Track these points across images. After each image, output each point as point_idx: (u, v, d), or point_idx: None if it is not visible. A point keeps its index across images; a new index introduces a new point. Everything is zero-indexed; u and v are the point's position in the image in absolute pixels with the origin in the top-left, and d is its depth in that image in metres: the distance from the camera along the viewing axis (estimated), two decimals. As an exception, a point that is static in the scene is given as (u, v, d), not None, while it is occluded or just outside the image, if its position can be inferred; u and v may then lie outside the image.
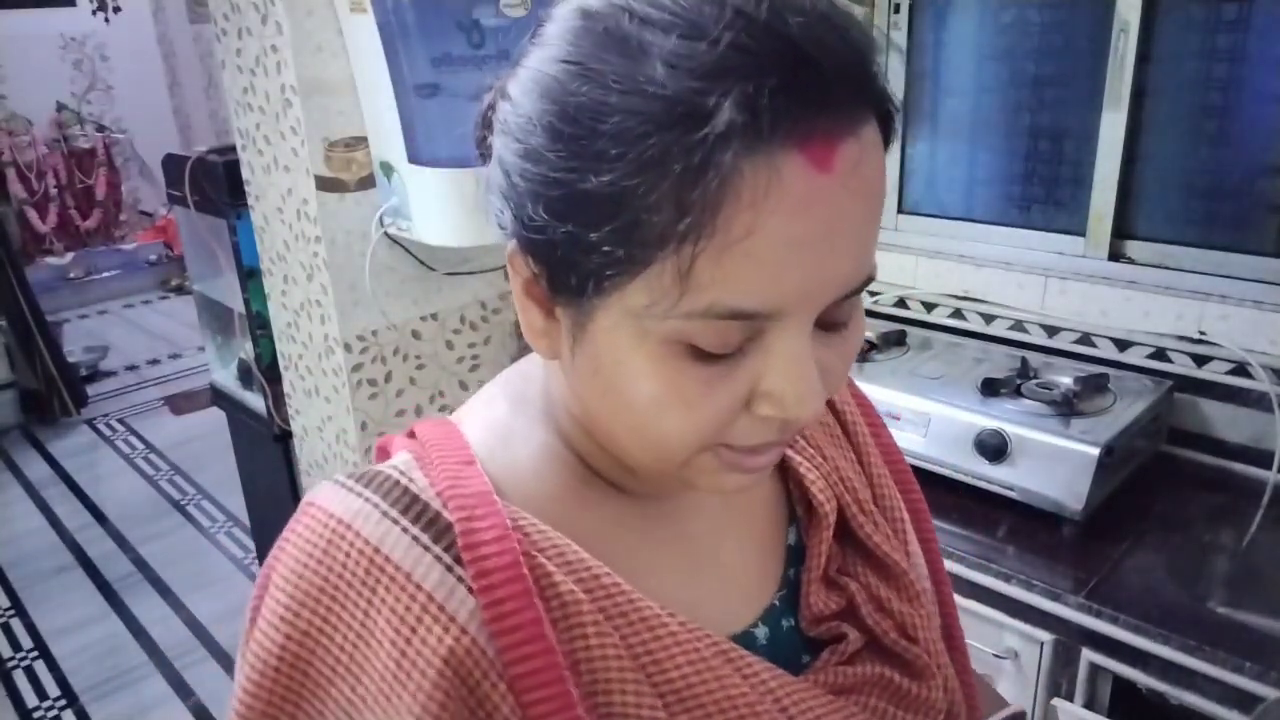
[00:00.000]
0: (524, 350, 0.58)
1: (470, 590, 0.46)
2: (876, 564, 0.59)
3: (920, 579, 0.62)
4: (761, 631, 0.56)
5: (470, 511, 0.48)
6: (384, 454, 0.55)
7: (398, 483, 0.49)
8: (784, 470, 0.61)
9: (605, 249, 0.41)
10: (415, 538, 0.47)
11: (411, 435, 0.55)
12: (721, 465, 0.47)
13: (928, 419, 1.42)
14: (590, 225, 0.41)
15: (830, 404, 0.66)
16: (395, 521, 0.48)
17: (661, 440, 0.45)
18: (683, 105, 0.37)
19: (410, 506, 0.48)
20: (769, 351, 0.43)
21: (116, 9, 4.99)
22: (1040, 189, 1.68)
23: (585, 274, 0.42)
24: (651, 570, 0.54)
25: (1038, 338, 1.62)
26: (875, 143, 0.42)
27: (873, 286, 1.83)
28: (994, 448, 1.32)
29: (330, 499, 0.49)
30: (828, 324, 0.45)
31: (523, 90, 0.43)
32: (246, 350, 2.30)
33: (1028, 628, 1.22)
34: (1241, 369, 1.39)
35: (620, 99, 0.39)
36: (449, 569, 0.47)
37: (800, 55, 0.38)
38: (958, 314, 1.72)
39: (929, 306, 1.76)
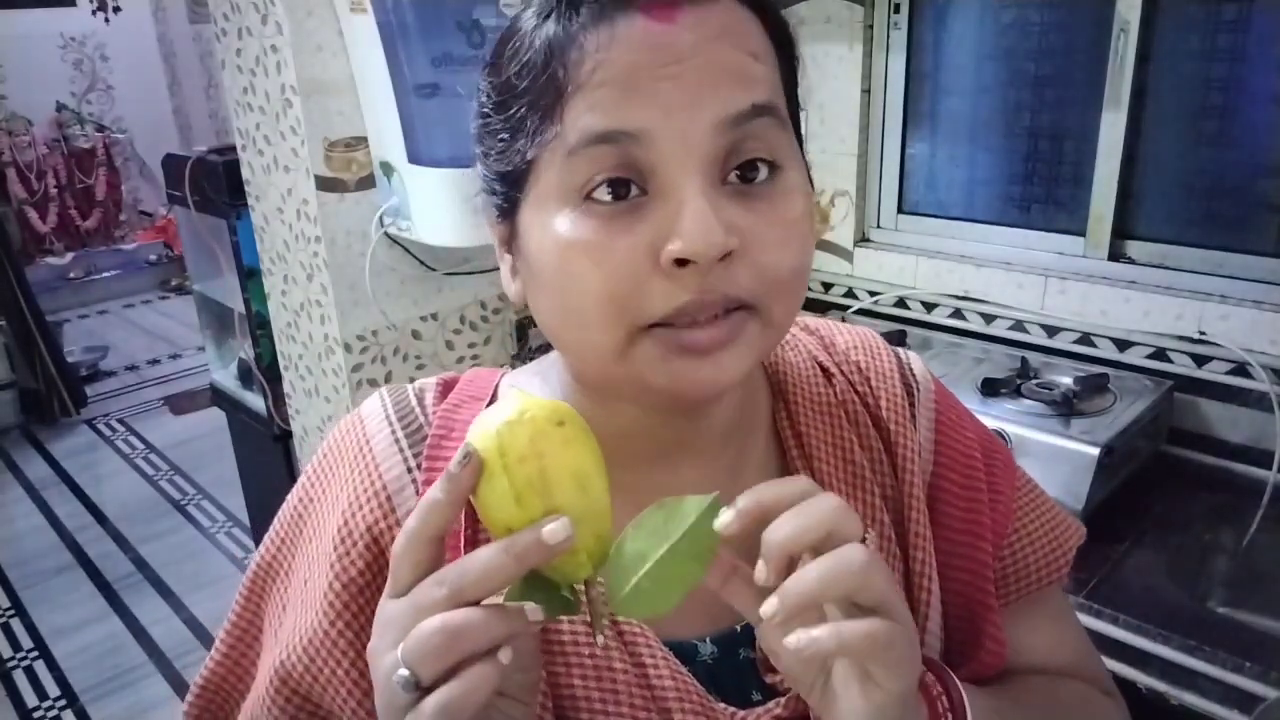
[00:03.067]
0: (524, 350, 0.59)
1: (417, 492, 0.55)
2: None
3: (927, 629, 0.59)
4: (708, 649, 0.56)
5: (446, 432, 0.57)
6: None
7: (408, 396, 0.61)
8: None
9: (510, 144, 0.49)
10: (397, 439, 0.58)
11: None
12: (666, 350, 0.47)
13: (928, 419, 1.41)
14: (497, 132, 0.50)
15: (896, 414, 0.63)
16: (389, 422, 0.59)
17: (585, 311, 0.47)
18: (538, 7, 0.48)
19: (405, 414, 0.59)
20: (662, 195, 0.46)
21: (116, 9, 4.99)
22: (1040, 189, 1.68)
23: (506, 184, 0.50)
24: None
25: (1038, 338, 1.62)
26: (739, 13, 0.48)
27: (873, 286, 1.85)
28: (994, 448, 1.32)
29: (366, 401, 0.61)
30: (740, 177, 0.47)
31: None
32: (246, 350, 2.30)
33: (1028, 628, 1.22)
34: (1241, 369, 1.39)
35: (507, 36, 0.50)
36: (409, 470, 0.56)
37: None
38: (958, 314, 1.72)
39: (929, 306, 1.76)
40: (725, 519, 0.43)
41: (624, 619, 0.53)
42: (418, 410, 0.59)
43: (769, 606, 0.42)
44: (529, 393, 0.44)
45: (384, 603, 0.44)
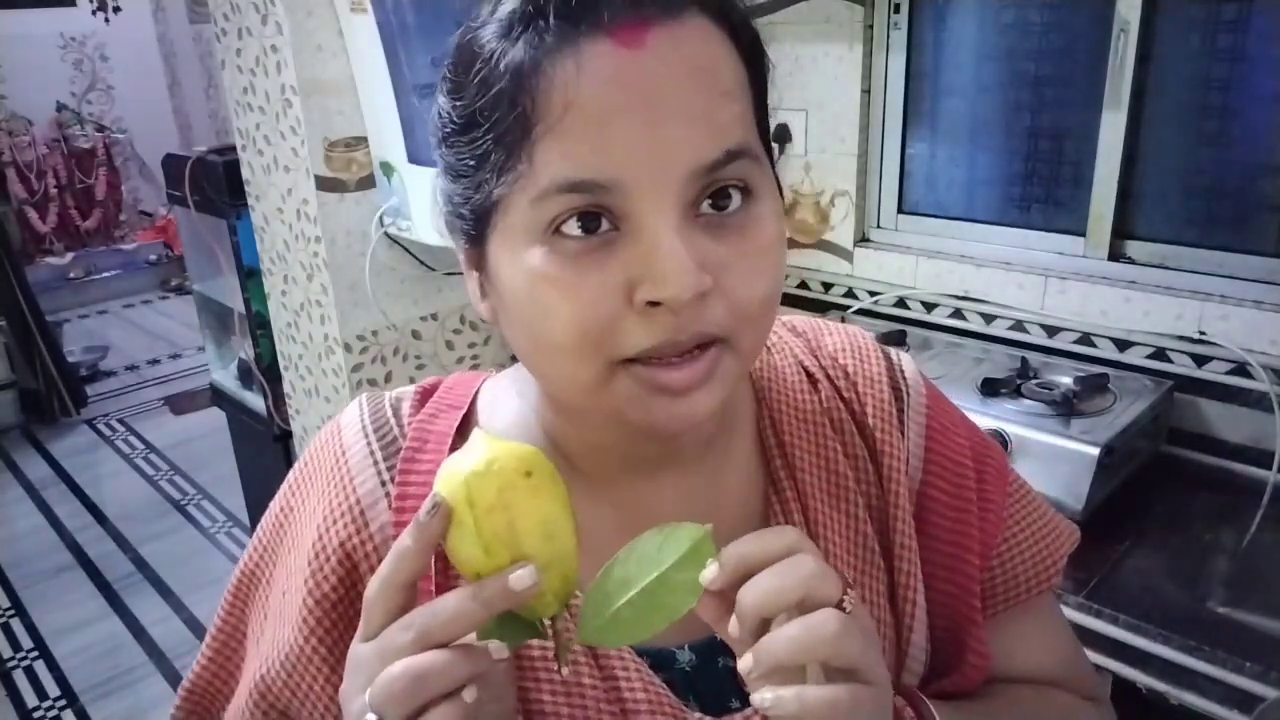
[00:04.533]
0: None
1: (390, 506, 0.55)
2: None
3: (912, 639, 0.59)
4: (685, 656, 0.56)
5: (421, 444, 0.57)
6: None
7: (384, 406, 0.60)
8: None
9: (476, 173, 0.47)
10: (371, 451, 0.57)
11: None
12: (643, 389, 0.47)
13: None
14: (461, 157, 0.48)
15: (884, 422, 0.61)
16: (365, 434, 0.58)
17: (557, 346, 0.46)
18: (501, 25, 0.45)
19: (381, 426, 0.59)
20: (635, 234, 0.45)
21: (116, 9, 4.99)
22: (1040, 189, 1.68)
23: (474, 214, 0.49)
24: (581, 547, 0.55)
25: (1038, 338, 1.62)
26: (708, 34, 0.46)
27: (872, 286, 1.85)
28: (994, 448, 1.32)
29: (346, 409, 0.61)
30: (713, 209, 0.46)
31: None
32: (246, 350, 2.30)
33: (1028, 628, 1.21)
34: (1241, 369, 1.39)
35: (467, 51, 0.47)
36: (382, 484, 0.56)
37: None
38: (958, 314, 1.72)
39: (929, 306, 1.76)
40: (709, 574, 0.43)
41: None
42: (393, 422, 0.59)
43: (745, 663, 0.43)
44: (495, 437, 0.44)
45: (355, 646, 0.45)
